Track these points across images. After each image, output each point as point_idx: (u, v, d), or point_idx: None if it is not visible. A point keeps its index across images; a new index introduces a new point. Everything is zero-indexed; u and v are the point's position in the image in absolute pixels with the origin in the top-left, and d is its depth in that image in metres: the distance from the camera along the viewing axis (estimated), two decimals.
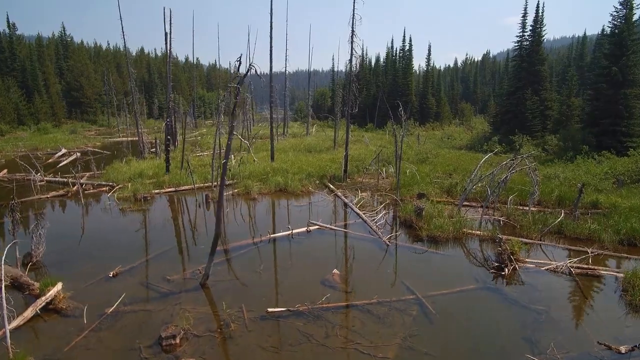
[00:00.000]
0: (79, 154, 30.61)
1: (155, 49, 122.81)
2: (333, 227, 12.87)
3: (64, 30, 70.62)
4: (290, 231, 12.30)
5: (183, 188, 18.25)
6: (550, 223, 12.52)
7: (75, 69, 62.76)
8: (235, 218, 14.62)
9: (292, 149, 31.14)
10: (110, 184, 18.67)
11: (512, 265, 9.82)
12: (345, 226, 13.47)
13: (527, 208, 14.96)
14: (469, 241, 11.96)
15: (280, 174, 19.91)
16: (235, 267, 9.97)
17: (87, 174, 21.55)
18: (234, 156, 27.11)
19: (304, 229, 12.63)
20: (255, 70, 7.99)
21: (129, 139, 40.09)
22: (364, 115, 56.05)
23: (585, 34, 60.22)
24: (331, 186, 18.88)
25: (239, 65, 7.91)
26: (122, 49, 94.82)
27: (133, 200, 16.22)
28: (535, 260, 10.29)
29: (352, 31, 19.09)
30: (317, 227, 12.92)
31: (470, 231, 12.31)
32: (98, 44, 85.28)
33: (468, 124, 48.68)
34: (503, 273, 9.56)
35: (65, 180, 19.22)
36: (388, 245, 11.33)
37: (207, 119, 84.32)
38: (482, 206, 15.31)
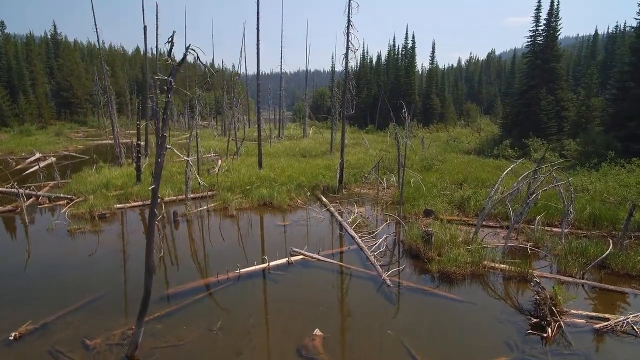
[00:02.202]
0: (53, 159, 28.25)
1: (151, 49, 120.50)
2: (320, 258, 10.37)
3: (55, 29, 68.42)
4: (267, 264, 9.82)
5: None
6: (591, 253, 10.02)
7: (64, 68, 60.50)
8: (201, 244, 12.13)
9: (285, 153, 28.71)
10: (69, 196, 16.22)
11: (555, 321, 7.31)
12: (336, 255, 10.97)
13: (555, 229, 12.50)
14: (491, 278, 9.45)
15: (266, 185, 17.46)
16: (185, 322, 7.48)
17: (51, 183, 19.15)
18: (221, 161, 24.69)
19: (284, 260, 10.15)
20: (197, 57, 5.52)
21: (118, 141, 37.60)
22: (364, 116, 53.57)
23: (596, 31, 57.63)
24: (324, 199, 16.38)
25: (172, 48, 5.42)
26: (116, 48, 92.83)
27: (88, 218, 13.76)
28: (585, 313, 7.76)
29: (348, 21, 16.62)
30: (301, 257, 10.44)
31: (493, 264, 9.79)
32: (92, 43, 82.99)
33: (474, 125, 46.07)
34: (545, 335, 7.05)
35: (22, 191, 16.77)
36: (389, 285, 8.82)
37: (204, 119, 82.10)
38: (501, 226, 12.84)
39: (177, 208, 14.86)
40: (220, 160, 25.07)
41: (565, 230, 11.48)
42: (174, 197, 16.23)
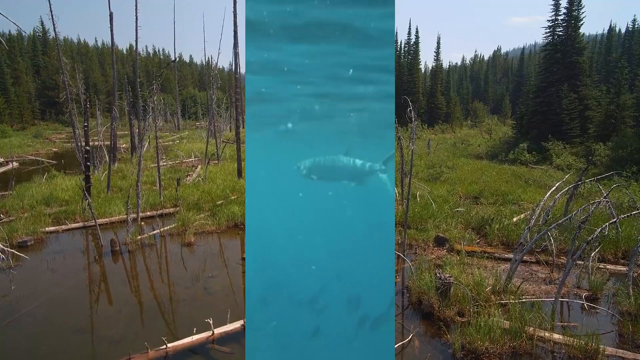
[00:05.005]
0: (16, 164, 25.36)
1: (146, 47, 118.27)
2: None
3: (42, 26, 65.67)
4: (212, 331, 6.76)
5: (93, 223, 12.70)
6: None
7: (50, 66, 57.74)
8: (129, 292, 9.01)
9: None
10: None
11: None
12: None
13: (610, 266, 9.46)
14: (542, 358, 6.34)
15: (242, 200, 14.44)
16: None
17: None
18: (200, 168, 21.72)
19: (238, 324, 7.08)
20: None
21: (103, 142, 34.59)
22: None
23: (611, 26, 54.40)
24: None
25: None
26: (108, 46, 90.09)
27: (7, 245, 10.71)
28: None
29: None
30: None
31: (543, 334, 6.68)
32: (82, 41, 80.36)
33: (483, 125, 42.92)
34: None
35: None
36: None
37: (198, 119, 79.32)
38: (537, 262, 9.75)
39: (123, 231, 11.81)
40: (199, 167, 22.11)
41: (634, 274, 8.36)
42: (125, 216, 13.17)
